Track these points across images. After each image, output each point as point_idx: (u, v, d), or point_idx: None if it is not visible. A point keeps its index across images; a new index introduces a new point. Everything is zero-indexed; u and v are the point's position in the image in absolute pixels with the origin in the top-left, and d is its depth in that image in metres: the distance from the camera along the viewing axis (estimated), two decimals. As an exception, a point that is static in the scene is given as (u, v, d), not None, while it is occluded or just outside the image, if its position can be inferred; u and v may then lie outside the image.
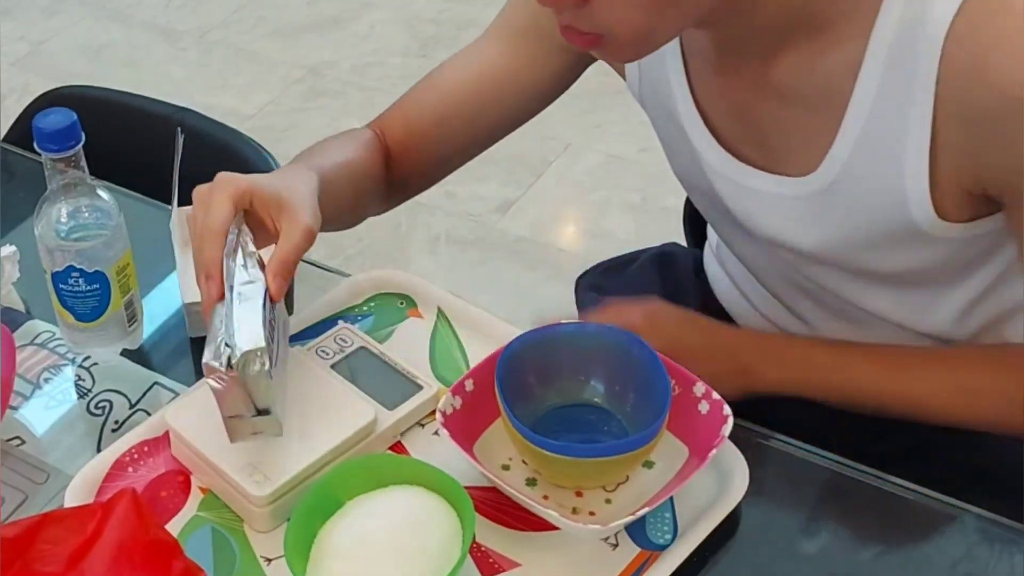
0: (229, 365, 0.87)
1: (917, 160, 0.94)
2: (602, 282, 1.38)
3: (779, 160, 1.03)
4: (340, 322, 1.08)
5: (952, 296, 1.07)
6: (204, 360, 0.88)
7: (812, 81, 0.96)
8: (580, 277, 1.41)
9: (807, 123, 0.99)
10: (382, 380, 1.02)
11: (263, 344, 0.88)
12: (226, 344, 0.88)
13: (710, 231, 1.31)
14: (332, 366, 1.03)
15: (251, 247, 0.95)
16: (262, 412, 0.90)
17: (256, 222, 0.97)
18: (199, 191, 0.97)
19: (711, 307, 1.29)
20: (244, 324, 0.89)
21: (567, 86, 1.21)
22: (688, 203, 1.48)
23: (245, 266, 0.94)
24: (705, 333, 1.09)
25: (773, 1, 0.93)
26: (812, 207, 1.01)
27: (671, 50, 1.06)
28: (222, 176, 0.97)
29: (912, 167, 0.94)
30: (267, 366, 0.88)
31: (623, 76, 1.14)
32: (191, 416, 0.97)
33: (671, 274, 1.34)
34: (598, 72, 1.26)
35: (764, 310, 1.22)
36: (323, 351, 1.05)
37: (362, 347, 1.06)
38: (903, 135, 0.93)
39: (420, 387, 1.02)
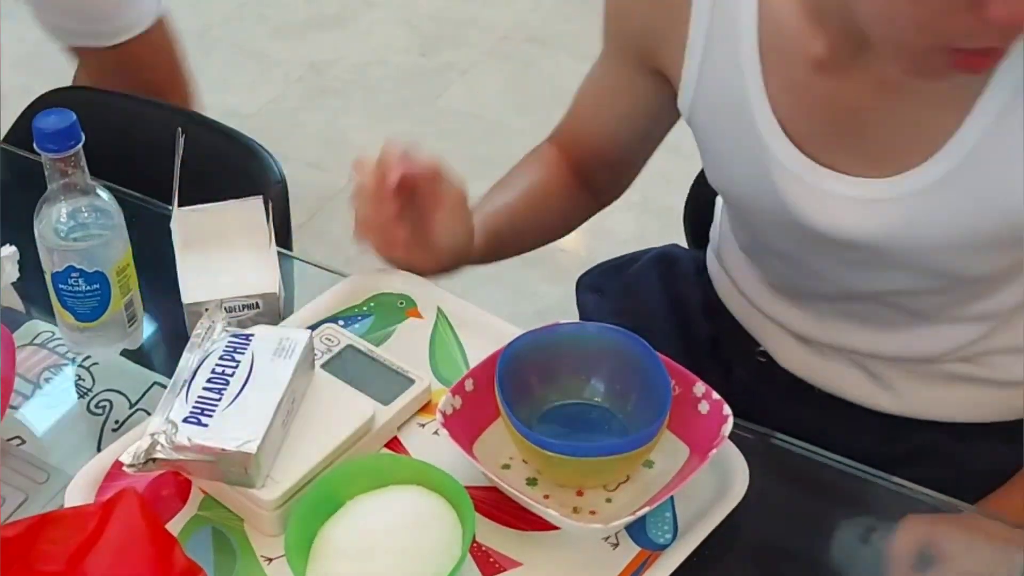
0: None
1: None
2: (603, 282, 1.38)
3: (869, 162, 1.00)
4: (325, 324, 1.09)
5: (1011, 287, 1.06)
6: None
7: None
8: (581, 277, 1.41)
9: (924, 120, 0.96)
10: (374, 377, 1.03)
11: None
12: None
13: (714, 232, 1.30)
14: (323, 366, 1.03)
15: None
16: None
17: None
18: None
19: (712, 306, 1.29)
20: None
21: (666, 109, 1.16)
22: (688, 205, 1.48)
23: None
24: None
25: None
26: (910, 209, 0.99)
27: (748, 56, 1.03)
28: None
29: None
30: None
31: (676, 86, 1.11)
32: None
33: (672, 275, 1.34)
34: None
35: (767, 309, 1.20)
36: None
37: (349, 345, 1.06)
38: None
39: (412, 381, 1.02)
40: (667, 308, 1.30)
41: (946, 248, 1.00)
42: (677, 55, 1.07)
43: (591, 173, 1.28)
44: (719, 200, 1.29)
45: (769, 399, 1.18)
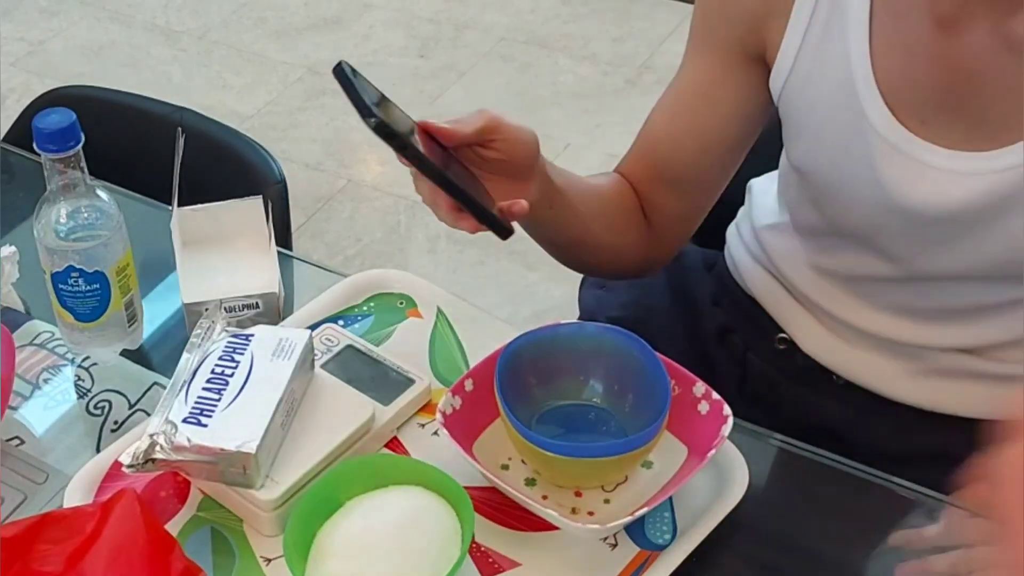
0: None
1: None
2: (606, 279, 1.38)
3: (972, 134, 0.99)
4: (325, 324, 1.09)
5: None
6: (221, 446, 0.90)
7: None
8: (584, 277, 1.41)
9: None
10: (374, 376, 1.03)
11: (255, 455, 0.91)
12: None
13: (746, 213, 1.28)
14: (322, 366, 1.03)
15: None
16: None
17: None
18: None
19: (724, 296, 1.28)
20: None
21: (761, 106, 1.14)
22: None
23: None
24: None
25: None
26: (1009, 184, 0.97)
27: (856, 22, 1.02)
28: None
29: None
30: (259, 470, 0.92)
31: (771, 64, 1.08)
32: None
33: (678, 269, 1.33)
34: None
35: (808, 293, 1.18)
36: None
37: (349, 345, 1.06)
38: None
39: (412, 381, 1.03)
40: (672, 300, 1.29)
41: None
42: (778, 30, 1.06)
43: (661, 198, 1.18)
44: (753, 183, 1.27)
45: (786, 386, 1.17)
